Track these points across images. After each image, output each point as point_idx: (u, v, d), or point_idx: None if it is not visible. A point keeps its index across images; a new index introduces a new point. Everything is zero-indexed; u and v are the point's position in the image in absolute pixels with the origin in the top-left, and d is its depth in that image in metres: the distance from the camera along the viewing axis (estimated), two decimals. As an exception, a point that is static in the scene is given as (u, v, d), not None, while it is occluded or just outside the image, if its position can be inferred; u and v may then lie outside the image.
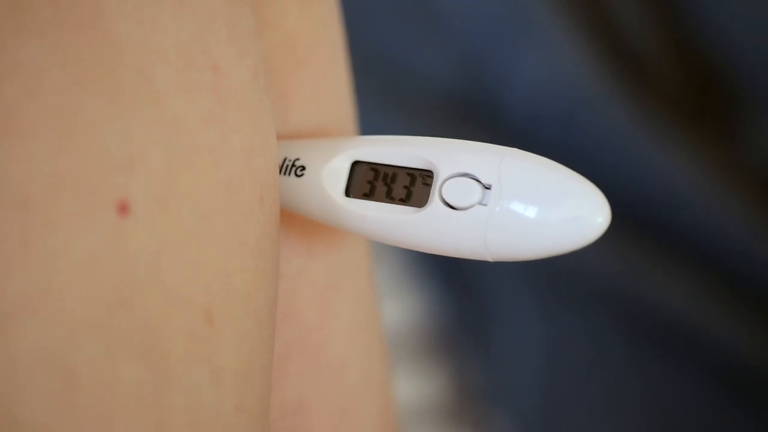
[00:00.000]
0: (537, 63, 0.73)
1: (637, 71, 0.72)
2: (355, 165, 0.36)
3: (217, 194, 0.30)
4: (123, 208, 0.28)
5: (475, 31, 0.74)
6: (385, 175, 0.35)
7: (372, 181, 0.35)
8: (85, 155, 0.27)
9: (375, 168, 0.35)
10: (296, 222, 0.38)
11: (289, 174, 0.36)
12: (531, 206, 0.33)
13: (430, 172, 0.35)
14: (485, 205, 0.33)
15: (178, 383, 0.28)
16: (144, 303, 0.28)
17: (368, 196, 0.35)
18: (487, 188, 0.33)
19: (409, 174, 0.35)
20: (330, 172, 0.36)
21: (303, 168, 0.36)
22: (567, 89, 0.72)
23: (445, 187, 0.34)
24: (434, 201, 0.34)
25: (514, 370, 0.74)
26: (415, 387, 0.76)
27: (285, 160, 0.37)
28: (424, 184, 0.35)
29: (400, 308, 0.76)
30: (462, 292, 0.76)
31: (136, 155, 0.28)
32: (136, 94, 0.28)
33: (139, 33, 0.29)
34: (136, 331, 0.28)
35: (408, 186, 0.35)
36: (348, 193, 0.36)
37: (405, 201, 0.35)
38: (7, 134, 0.27)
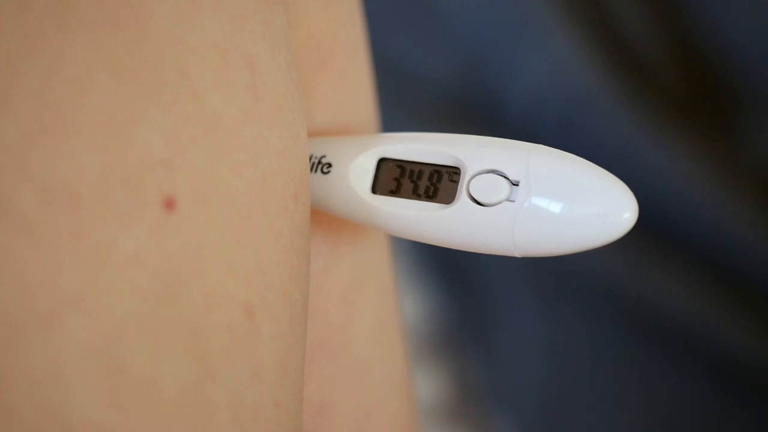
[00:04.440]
0: (537, 62, 0.73)
1: (637, 71, 0.72)
2: (382, 162, 0.36)
3: (254, 191, 0.30)
4: (169, 204, 0.28)
5: (476, 31, 0.74)
6: (412, 172, 0.35)
7: (398, 178, 0.36)
8: (130, 151, 0.27)
9: (401, 165, 0.36)
10: (320, 221, 0.39)
11: (316, 171, 0.37)
12: (559, 202, 0.33)
13: (457, 168, 0.35)
14: (513, 201, 0.34)
15: (220, 379, 0.28)
16: (187, 299, 0.28)
17: (395, 193, 0.36)
18: (514, 184, 0.34)
19: (435, 171, 0.35)
20: (356, 170, 0.36)
21: (329, 165, 0.36)
22: (567, 89, 0.72)
23: (472, 184, 0.34)
24: (462, 197, 0.34)
25: (514, 370, 0.75)
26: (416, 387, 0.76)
27: (311, 157, 0.37)
28: (450, 180, 0.35)
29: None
30: (463, 292, 0.76)
31: (178, 152, 0.28)
32: (177, 91, 0.28)
33: (179, 31, 0.29)
34: (179, 327, 0.28)
35: (435, 183, 0.35)
36: (374, 190, 0.36)
37: (432, 197, 0.35)
38: (56, 131, 0.27)
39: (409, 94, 0.75)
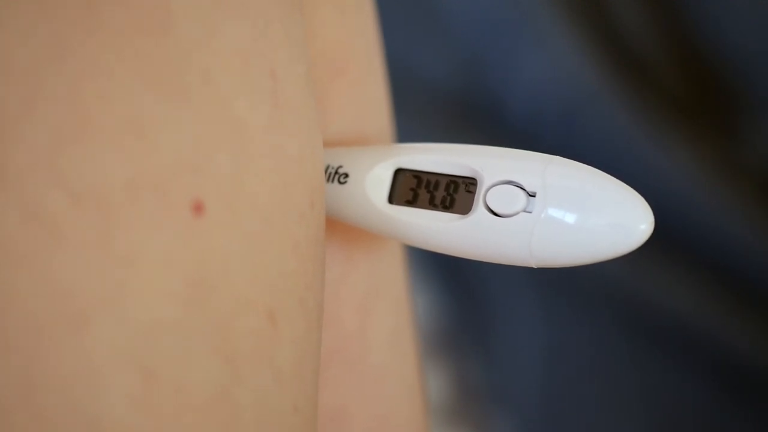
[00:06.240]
0: (538, 63, 0.73)
1: (638, 72, 0.72)
2: (398, 172, 0.36)
3: (275, 197, 0.30)
4: (198, 208, 0.28)
5: (477, 32, 0.74)
6: (428, 182, 0.35)
7: (415, 189, 0.36)
8: (158, 156, 0.27)
9: (418, 175, 0.36)
10: (336, 230, 0.39)
11: (333, 181, 0.37)
12: (575, 213, 0.33)
13: (474, 179, 0.35)
14: (530, 212, 0.34)
15: (245, 382, 0.28)
16: (215, 302, 0.28)
17: (411, 203, 0.36)
18: (531, 196, 0.34)
19: (452, 181, 0.35)
20: (373, 180, 0.36)
21: (346, 175, 0.37)
22: (568, 90, 0.72)
23: (489, 195, 0.34)
24: (478, 208, 0.34)
25: (515, 370, 0.75)
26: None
27: (328, 167, 0.37)
28: (467, 191, 0.35)
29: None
30: (463, 293, 0.76)
31: (204, 156, 0.28)
32: (202, 96, 0.28)
33: (203, 35, 0.29)
34: (207, 331, 0.28)
35: (451, 193, 0.35)
36: (391, 200, 0.36)
37: (448, 208, 0.35)
38: (84, 136, 0.27)
39: (409, 93, 0.75)
